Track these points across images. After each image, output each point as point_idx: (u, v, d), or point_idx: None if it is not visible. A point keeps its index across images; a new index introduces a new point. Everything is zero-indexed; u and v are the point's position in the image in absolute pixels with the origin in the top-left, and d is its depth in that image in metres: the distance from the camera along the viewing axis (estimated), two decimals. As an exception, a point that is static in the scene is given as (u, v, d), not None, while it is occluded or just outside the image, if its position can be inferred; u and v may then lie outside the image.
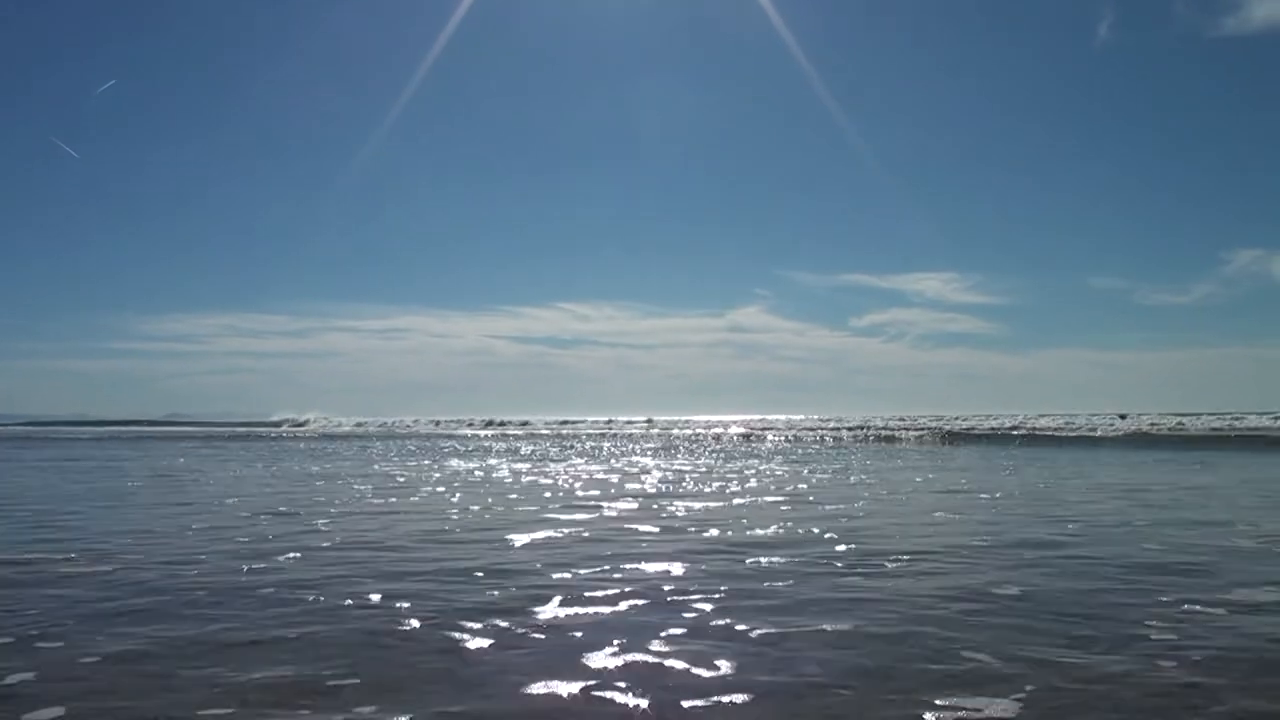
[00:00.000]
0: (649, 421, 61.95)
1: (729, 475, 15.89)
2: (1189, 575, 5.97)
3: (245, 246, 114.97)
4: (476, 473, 17.05)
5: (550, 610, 5.01)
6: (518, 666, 3.94)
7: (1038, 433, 34.86)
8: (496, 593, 5.52)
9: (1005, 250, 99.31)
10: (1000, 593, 5.42)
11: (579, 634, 4.50)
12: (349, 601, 5.24)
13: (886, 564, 6.46)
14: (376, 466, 19.39)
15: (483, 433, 54.82)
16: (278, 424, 77.85)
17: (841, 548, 7.22)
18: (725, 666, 3.92)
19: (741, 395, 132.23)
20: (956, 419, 47.26)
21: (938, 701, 3.44)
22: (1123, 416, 43.01)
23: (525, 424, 65.32)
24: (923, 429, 39.97)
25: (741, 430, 47.72)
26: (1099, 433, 33.44)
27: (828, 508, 10.33)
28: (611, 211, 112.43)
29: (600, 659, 4.04)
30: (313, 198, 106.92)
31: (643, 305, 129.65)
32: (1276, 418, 37.69)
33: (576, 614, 4.93)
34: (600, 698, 3.54)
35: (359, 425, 67.86)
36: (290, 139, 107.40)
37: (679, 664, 3.97)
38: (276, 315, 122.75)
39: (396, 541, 7.76)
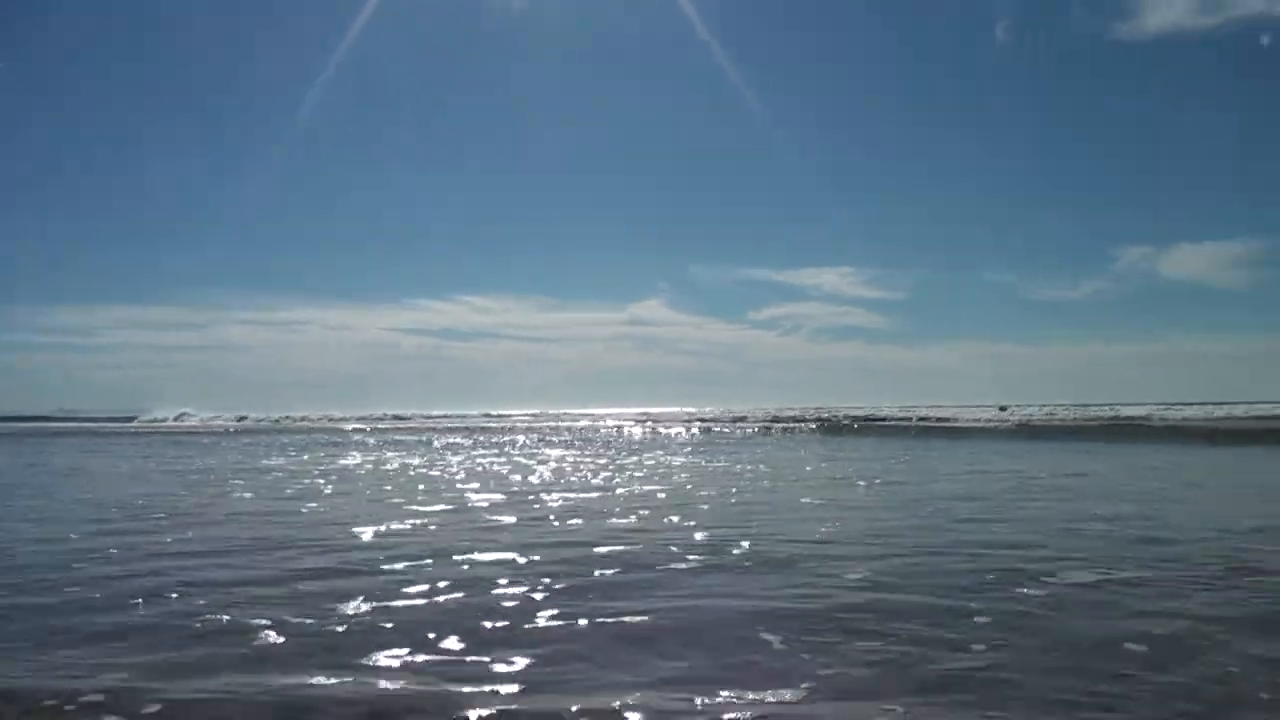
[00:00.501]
0: (547, 415, 61.71)
1: (625, 466, 15.84)
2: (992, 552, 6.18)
3: (140, 236, 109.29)
4: (364, 466, 16.56)
5: (352, 606, 4.83)
6: (297, 662, 3.76)
7: (929, 424, 35.92)
8: (314, 584, 5.31)
9: (900, 245, 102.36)
10: (822, 582, 5.47)
11: (374, 626, 4.37)
12: (168, 589, 4.95)
13: (733, 551, 6.47)
14: (265, 461, 18.66)
15: (381, 426, 53.39)
16: (159, 420, 74.59)
17: (700, 536, 7.21)
18: (509, 657, 3.83)
19: (643, 388, 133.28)
20: (854, 410, 48.61)
21: (724, 693, 3.41)
22: (1002, 408, 44.90)
23: (428, 418, 64.12)
24: (823, 420, 40.82)
25: (646, 423, 47.54)
26: (982, 424, 34.69)
27: (704, 493, 10.38)
28: (512, 204, 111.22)
29: (382, 656, 3.91)
30: (212, 186, 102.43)
31: (543, 298, 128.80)
32: (1169, 408, 40.01)
33: (378, 607, 4.78)
34: (368, 690, 3.40)
35: (241, 419, 65.36)
36: (189, 126, 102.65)
37: (466, 657, 3.87)
38: (174, 307, 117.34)
39: (237, 537, 7.42)
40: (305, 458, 20.00)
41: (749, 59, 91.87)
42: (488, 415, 64.81)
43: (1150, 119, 79.03)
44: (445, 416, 66.10)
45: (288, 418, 64.73)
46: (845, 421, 39.16)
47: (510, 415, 63.86)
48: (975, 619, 4.40)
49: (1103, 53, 75.91)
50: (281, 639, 4.13)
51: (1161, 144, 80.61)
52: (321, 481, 12.83)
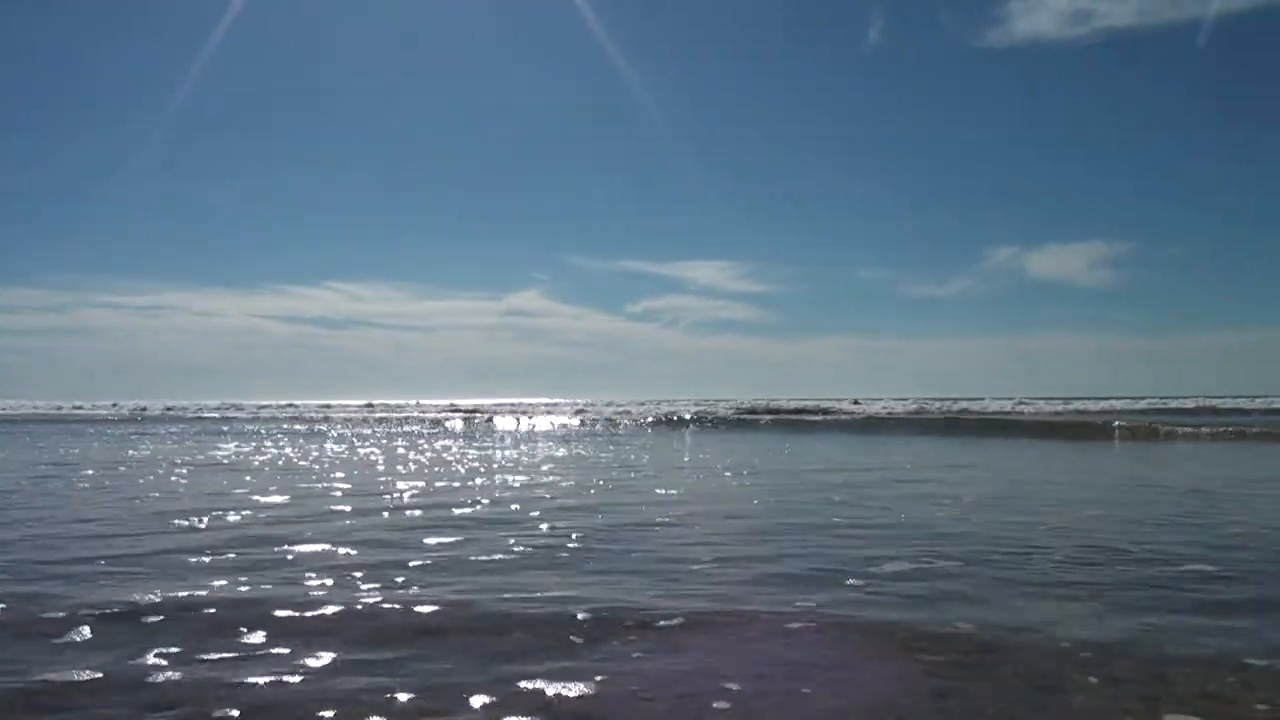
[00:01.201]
0: (419, 406, 60.21)
1: (491, 459, 15.83)
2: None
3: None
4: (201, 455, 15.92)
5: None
6: None
7: (783, 417, 37.06)
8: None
9: (777, 241, 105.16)
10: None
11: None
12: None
13: (542, 527, 6.69)
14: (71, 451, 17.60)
15: (239, 416, 50.88)
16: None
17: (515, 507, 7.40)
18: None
19: (523, 379, 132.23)
20: (725, 401, 49.87)
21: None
22: (855, 402, 47.22)
23: (290, 407, 61.49)
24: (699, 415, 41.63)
25: (523, 414, 46.70)
26: (843, 416, 36.26)
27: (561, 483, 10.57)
28: (385, 189, 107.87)
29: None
30: (71, 162, 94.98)
31: (419, 286, 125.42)
32: (1021, 402, 42.88)
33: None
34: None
35: (78, 408, 61.09)
36: (48, 105, 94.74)
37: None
38: (29, 289, 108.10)
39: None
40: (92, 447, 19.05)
41: (630, 49, 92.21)
42: (369, 406, 62.79)
43: (1019, 122, 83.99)
44: (326, 406, 63.67)
45: (141, 407, 60.99)
46: (714, 416, 39.94)
47: (381, 405, 62.06)
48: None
49: (974, 57, 79.98)
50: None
51: (1028, 147, 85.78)
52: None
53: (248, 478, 11.69)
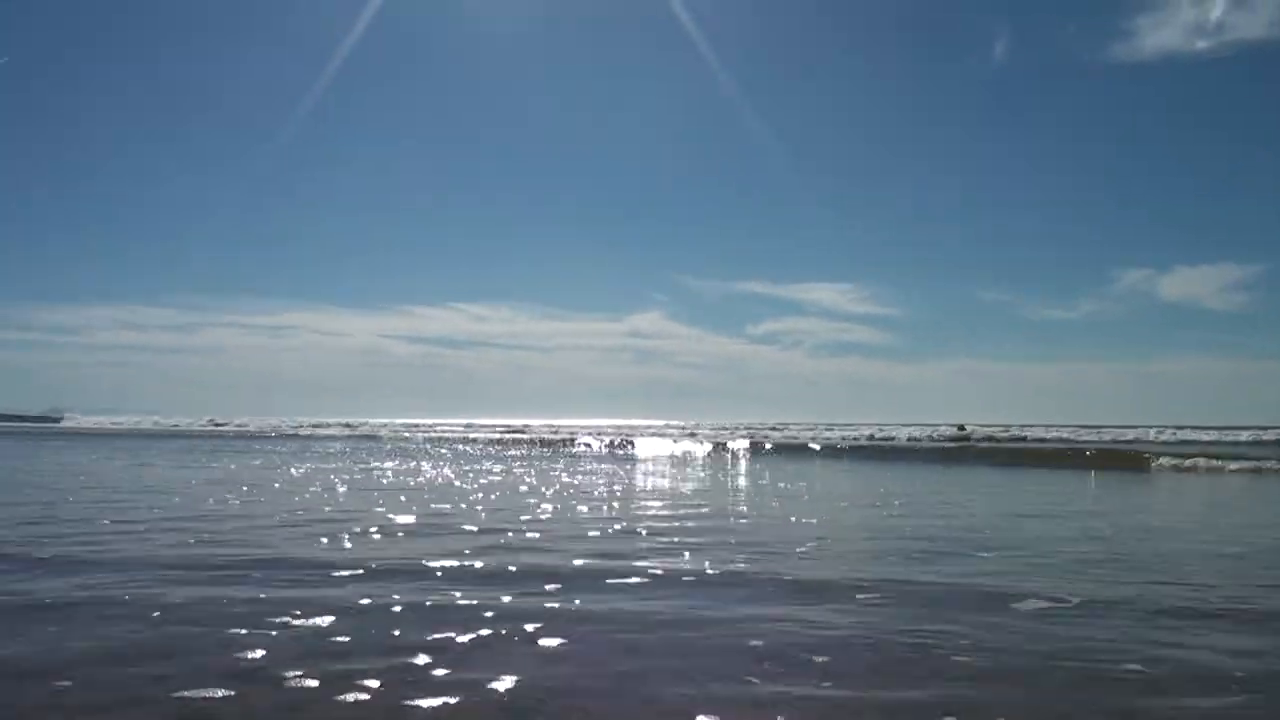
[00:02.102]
0: (537, 426, 60.05)
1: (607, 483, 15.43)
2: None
3: (131, 235, 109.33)
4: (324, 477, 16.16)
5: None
6: None
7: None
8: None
9: (899, 262, 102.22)
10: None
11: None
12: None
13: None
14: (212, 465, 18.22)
15: (357, 434, 52.41)
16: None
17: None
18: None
19: (641, 401, 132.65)
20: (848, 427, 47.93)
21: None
22: (961, 428, 44.42)
23: (416, 426, 63.11)
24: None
25: (635, 436, 44.23)
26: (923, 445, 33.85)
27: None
28: (510, 211, 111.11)
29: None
30: (203, 187, 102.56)
31: (541, 307, 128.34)
32: (1160, 431, 39.58)
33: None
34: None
35: (219, 424, 64.50)
36: (181, 126, 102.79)
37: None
38: (162, 309, 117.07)
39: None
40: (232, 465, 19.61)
41: (751, 74, 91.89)
42: (483, 425, 63.85)
43: (1148, 140, 78.93)
44: (437, 425, 65.29)
45: (272, 424, 64.14)
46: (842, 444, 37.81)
47: (500, 425, 62.66)
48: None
49: (1101, 73, 75.79)
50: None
51: (1159, 165, 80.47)
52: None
53: (507, 496, 11.62)
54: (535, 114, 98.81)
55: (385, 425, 62.72)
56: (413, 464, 20.46)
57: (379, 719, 3.22)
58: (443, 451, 28.43)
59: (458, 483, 14.37)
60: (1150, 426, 42.49)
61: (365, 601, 5.02)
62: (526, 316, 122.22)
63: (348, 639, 4.21)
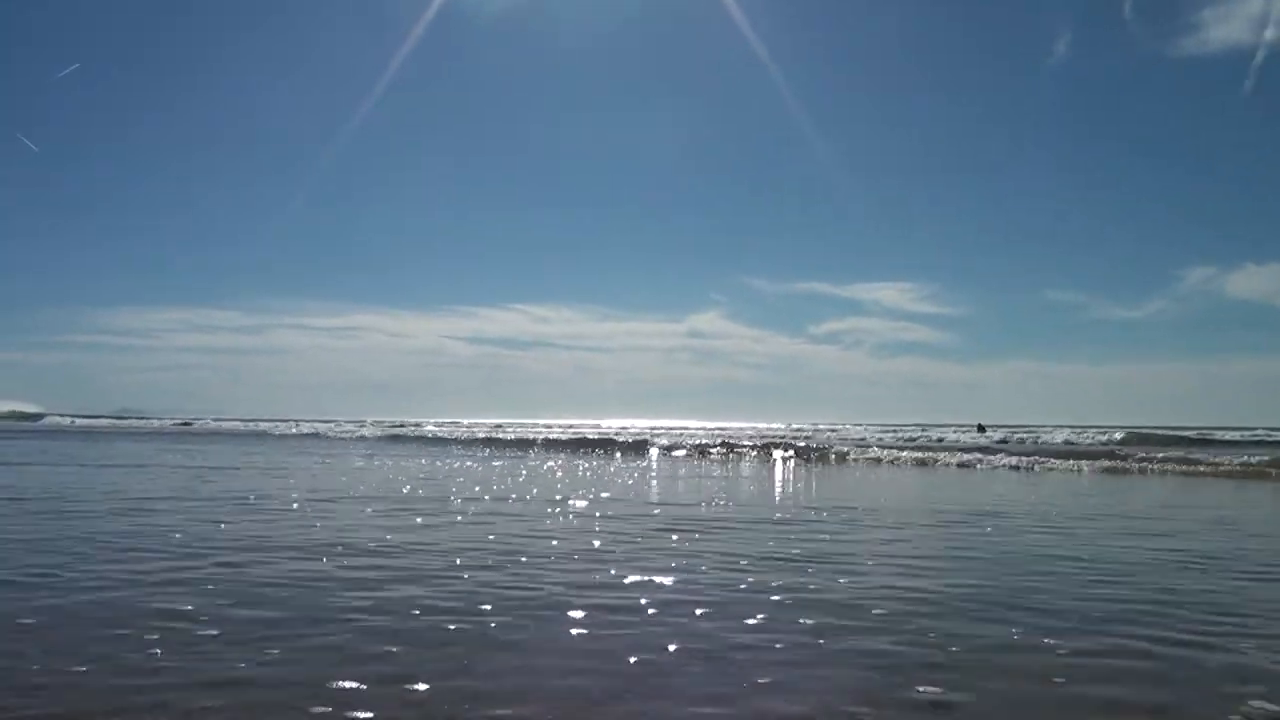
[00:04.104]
0: (595, 427, 58.56)
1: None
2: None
3: (199, 240, 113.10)
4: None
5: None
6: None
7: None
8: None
9: (962, 262, 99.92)
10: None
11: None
12: None
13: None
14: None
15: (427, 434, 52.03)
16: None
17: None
18: None
19: (700, 401, 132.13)
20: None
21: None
22: (981, 429, 42.93)
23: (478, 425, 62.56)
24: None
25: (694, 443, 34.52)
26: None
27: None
28: (570, 214, 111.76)
29: None
30: (269, 193, 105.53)
31: (601, 308, 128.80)
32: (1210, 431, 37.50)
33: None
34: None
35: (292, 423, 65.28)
36: (247, 134, 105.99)
37: None
38: (229, 311, 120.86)
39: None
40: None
41: (807, 73, 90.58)
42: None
43: (1215, 136, 75.48)
44: (502, 426, 64.73)
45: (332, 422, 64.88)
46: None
47: (570, 426, 61.35)
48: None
49: (1166, 68, 72.73)
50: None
51: (1226, 163, 76.89)
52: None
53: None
54: (594, 121, 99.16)
55: (499, 425, 61.54)
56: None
57: None
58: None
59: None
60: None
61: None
62: (587, 317, 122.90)
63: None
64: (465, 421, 71.03)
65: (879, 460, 25.93)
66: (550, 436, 42.03)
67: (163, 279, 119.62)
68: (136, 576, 5.73)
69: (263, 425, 61.98)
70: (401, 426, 56.88)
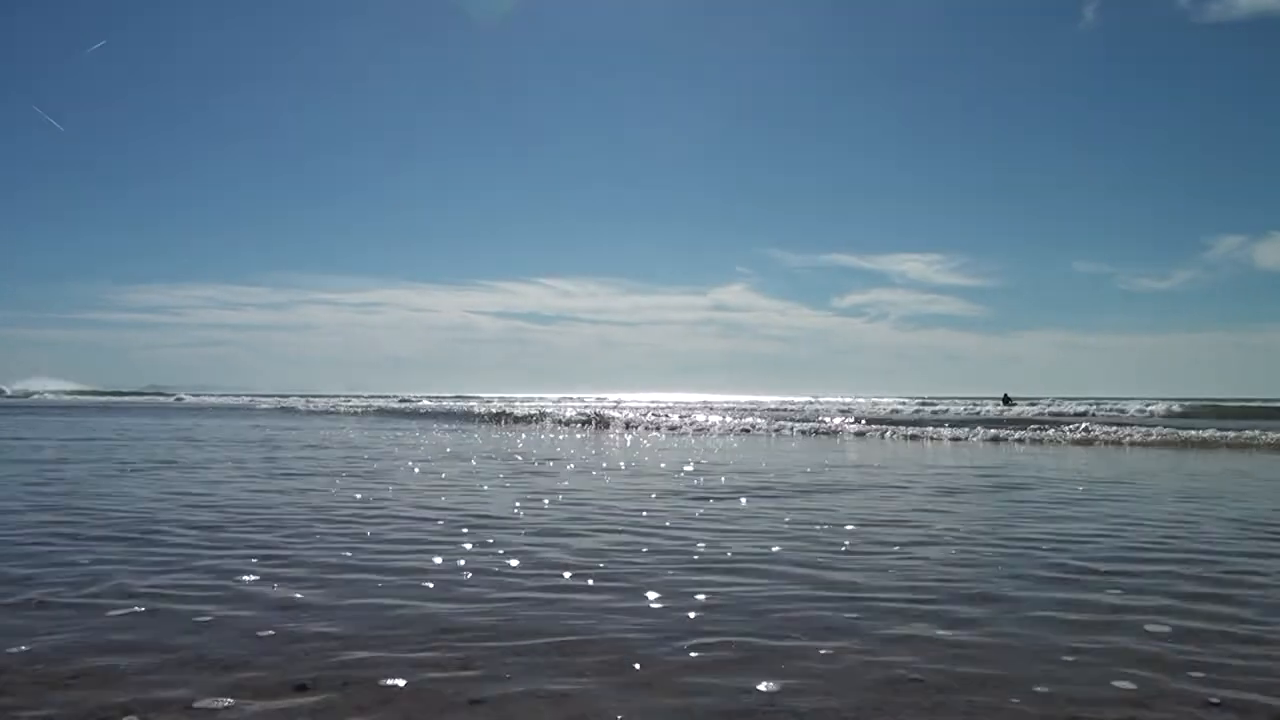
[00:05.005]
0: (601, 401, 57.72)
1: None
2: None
3: (225, 217, 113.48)
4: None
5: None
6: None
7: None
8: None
9: (989, 232, 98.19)
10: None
11: None
12: None
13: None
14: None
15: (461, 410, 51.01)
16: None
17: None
18: None
19: (724, 374, 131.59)
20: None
21: None
22: (1006, 399, 41.97)
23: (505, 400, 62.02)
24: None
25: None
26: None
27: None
28: (595, 187, 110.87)
29: None
30: (295, 169, 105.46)
31: (626, 281, 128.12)
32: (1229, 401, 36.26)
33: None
34: None
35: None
36: (273, 112, 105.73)
37: None
38: (255, 287, 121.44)
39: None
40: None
41: (833, 45, 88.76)
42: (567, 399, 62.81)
43: (1244, 103, 73.21)
44: (525, 399, 64.51)
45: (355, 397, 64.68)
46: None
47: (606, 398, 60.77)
48: None
49: (1194, 33, 70.38)
50: None
51: (1256, 130, 74.60)
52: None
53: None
54: (618, 96, 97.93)
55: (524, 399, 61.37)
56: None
57: None
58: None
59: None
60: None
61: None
62: (611, 290, 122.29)
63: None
64: (487, 395, 70.65)
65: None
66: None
67: (188, 256, 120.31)
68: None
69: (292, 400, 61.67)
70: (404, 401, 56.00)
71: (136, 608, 3.86)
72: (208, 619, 3.68)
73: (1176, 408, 34.79)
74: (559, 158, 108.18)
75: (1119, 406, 37.17)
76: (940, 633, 3.62)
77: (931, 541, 5.87)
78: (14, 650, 3.24)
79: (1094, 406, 37.88)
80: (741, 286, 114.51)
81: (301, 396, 66.79)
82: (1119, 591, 4.43)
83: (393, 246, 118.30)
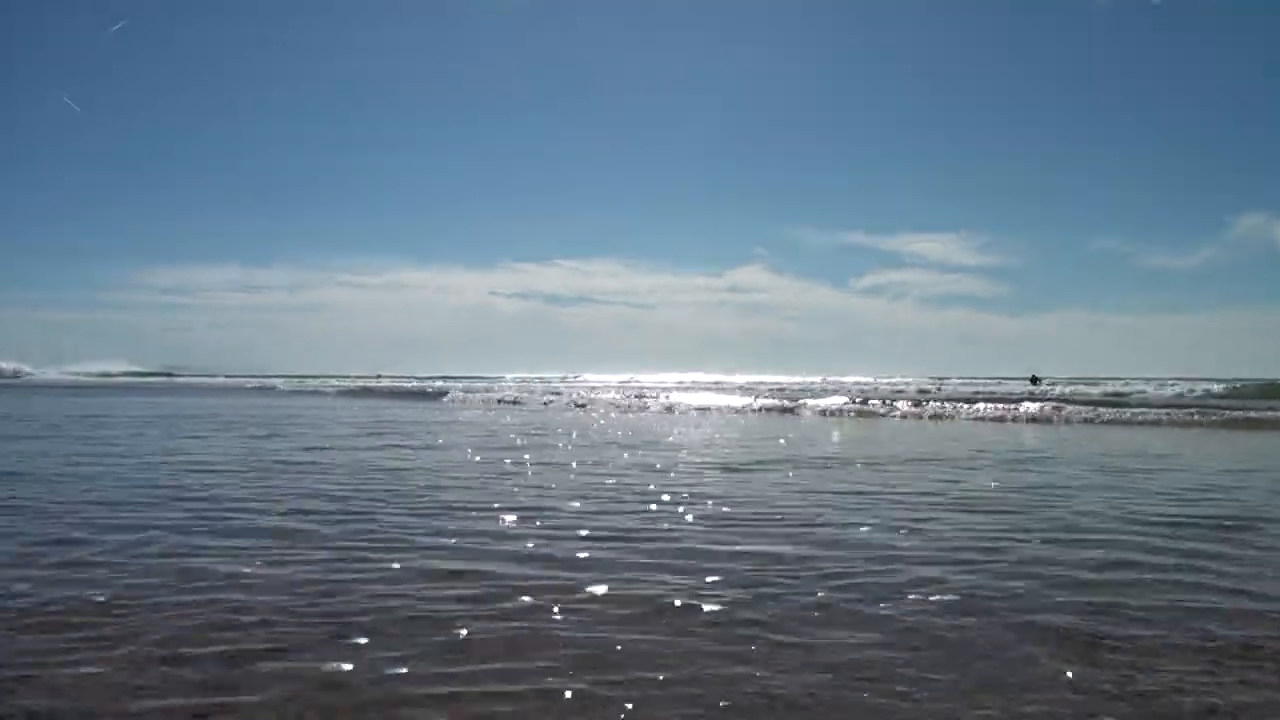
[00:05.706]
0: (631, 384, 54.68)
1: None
2: None
3: (246, 198, 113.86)
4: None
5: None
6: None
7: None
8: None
9: (1008, 212, 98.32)
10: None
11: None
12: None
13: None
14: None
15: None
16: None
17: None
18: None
19: (743, 354, 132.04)
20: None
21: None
22: (1034, 381, 42.86)
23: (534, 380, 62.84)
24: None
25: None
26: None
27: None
28: (613, 168, 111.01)
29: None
30: (315, 150, 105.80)
31: (644, 262, 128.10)
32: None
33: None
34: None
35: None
36: (292, 90, 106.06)
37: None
38: (277, 269, 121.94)
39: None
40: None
41: (850, 26, 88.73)
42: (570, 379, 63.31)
43: (1266, 80, 73.06)
44: (544, 379, 65.41)
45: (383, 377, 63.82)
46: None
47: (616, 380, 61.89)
48: None
49: (1211, 10, 70.00)
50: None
51: (1270, 107, 74.40)
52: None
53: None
54: (637, 75, 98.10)
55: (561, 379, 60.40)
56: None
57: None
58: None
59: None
60: None
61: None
62: (630, 271, 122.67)
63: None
64: (509, 376, 71.67)
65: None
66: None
67: (205, 237, 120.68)
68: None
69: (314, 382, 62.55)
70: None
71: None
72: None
73: (1216, 388, 35.77)
74: (577, 136, 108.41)
75: (1165, 387, 38.05)
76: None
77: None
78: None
79: (1143, 385, 38.79)
80: (758, 267, 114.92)
81: (416, 379, 66.76)
82: None
83: (411, 228, 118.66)
